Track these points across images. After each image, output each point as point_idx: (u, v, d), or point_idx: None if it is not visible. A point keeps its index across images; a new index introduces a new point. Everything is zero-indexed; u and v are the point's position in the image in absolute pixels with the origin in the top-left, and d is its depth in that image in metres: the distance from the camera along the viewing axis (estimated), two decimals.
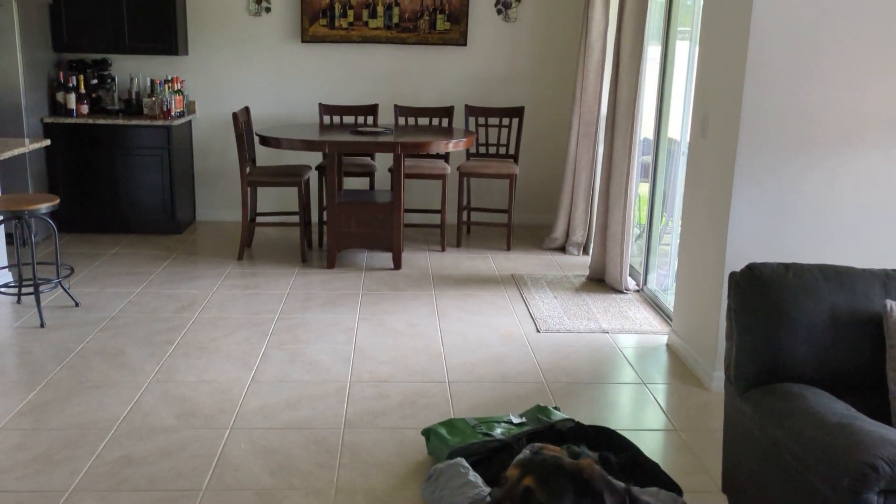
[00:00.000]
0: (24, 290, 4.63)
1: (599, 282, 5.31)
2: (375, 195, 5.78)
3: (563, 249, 6.11)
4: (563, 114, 6.67)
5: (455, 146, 5.44)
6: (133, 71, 6.37)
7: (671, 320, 4.44)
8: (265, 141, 5.39)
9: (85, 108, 6.11)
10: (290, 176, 5.62)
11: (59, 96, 6.04)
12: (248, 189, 5.67)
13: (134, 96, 6.29)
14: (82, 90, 6.08)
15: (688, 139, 4.70)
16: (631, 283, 5.13)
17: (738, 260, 3.53)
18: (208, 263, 5.59)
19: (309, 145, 5.28)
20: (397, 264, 5.54)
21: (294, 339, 4.26)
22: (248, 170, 5.68)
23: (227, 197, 6.66)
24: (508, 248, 6.10)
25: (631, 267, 5.17)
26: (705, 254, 3.85)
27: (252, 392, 3.64)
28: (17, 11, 5.53)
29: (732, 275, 2.65)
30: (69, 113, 6.03)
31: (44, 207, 4.31)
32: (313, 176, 6.31)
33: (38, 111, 5.91)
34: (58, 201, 4.40)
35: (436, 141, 5.36)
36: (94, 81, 6.25)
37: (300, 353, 4.08)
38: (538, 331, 4.46)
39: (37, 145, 4.67)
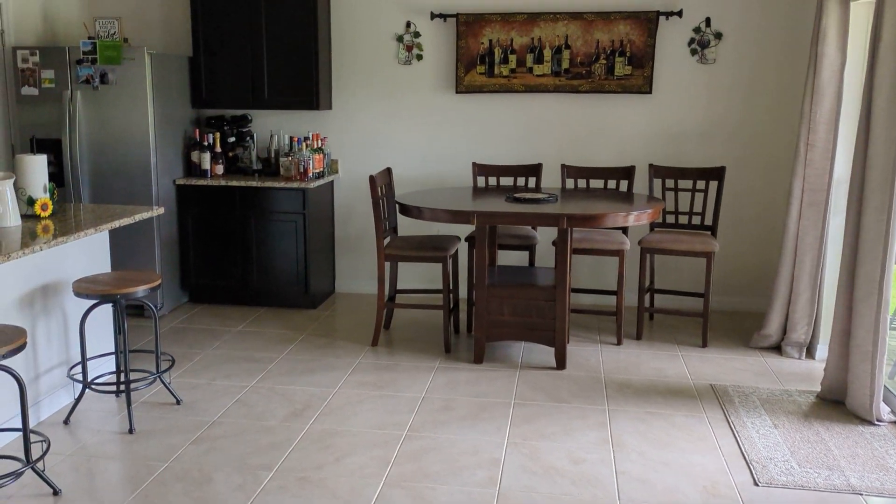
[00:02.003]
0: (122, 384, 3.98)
1: (836, 404, 3.93)
2: (535, 275, 4.73)
3: (777, 349, 4.74)
4: (777, 176, 5.35)
5: (637, 219, 4.30)
6: (274, 127, 5.79)
7: None
8: (405, 210, 4.52)
9: (220, 169, 5.56)
10: (434, 250, 4.71)
11: (194, 156, 5.53)
12: (387, 264, 4.82)
13: (273, 155, 5.69)
14: (218, 149, 5.55)
15: None
16: (885, 411, 3.72)
17: None
18: (338, 349, 4.76)
19: (454, 216, 4.34)
20: (560, 363, 4.44)
21: (420, 473, 3.26)
22: (386, 241, 4.84)
23: (370, 266, 5.87)
24: (704, 345, 4.82)
25: (885, 387, 3.76)
26: None
27: None
28: (150, 65, 5.07)
29: None
30: (203, 174, 5.51)
31: (140, 290, 3.62)
32: (463, 247, 5.38)
33: (172, 172, 5.42)
34: (159, 282, 3.72)
35: (612, 213, 4.25)
36: (232, 139, 5.71)
37: (424, 497, 3.06)
38: (756, 483, 3.18)
39: (147, 214, 4.06)
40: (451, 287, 4.76)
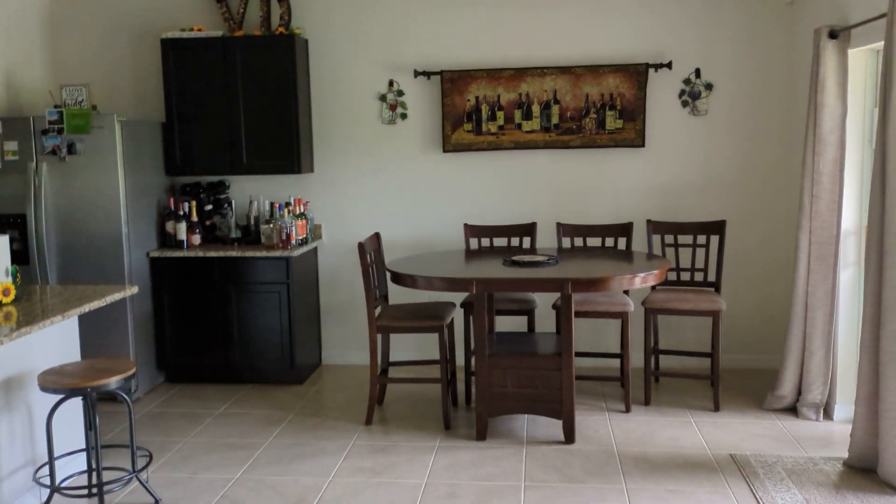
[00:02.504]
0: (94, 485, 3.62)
1: (867, 473, 3.67)
2: (538, 342, 4.47)
3: (793, 411, 4.51)
4: (781, 229, 5.20)
5: (644, 280, 4.08)
6: (254, 193, 5.52)
7: None
8: (397, 278, 4.26)
9: (196, 239, 5.27)
10: (429, 319, 4.44)
11: (169, 226, 5.24)
12: (379, 335, 4.53)
13: (253, 222, 5.41)
14: (194, 218, 5.27)
15: None
16: None
17: None
18: (330, 430, 4.43)
19: (451, 284, 4.09)
20: (569, 437, 4.15)
21: None
22: (378, 311, 4.56)
23: (358, 336, 5.57)
24: (716, 409, 4.57)
25: None
26: None
27: None
28: (121, 133, 4.81)
29: None
30: (179, 245, 5.21)
31: (113, 382, 3.30)
32: (458, 311, 5.11)
33: (146, 244, 5.12)
34: (132, 371, 3.40)
35: (618, 276, 4.02)
36: (209, 207, 5.44)
37: None
38: None
39: (119, 295, 3.75)
40: (448, 357, 4.48)
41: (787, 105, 5.11)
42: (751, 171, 5.21)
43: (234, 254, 5.09)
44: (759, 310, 5.28)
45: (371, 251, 4.59)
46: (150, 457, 3.76)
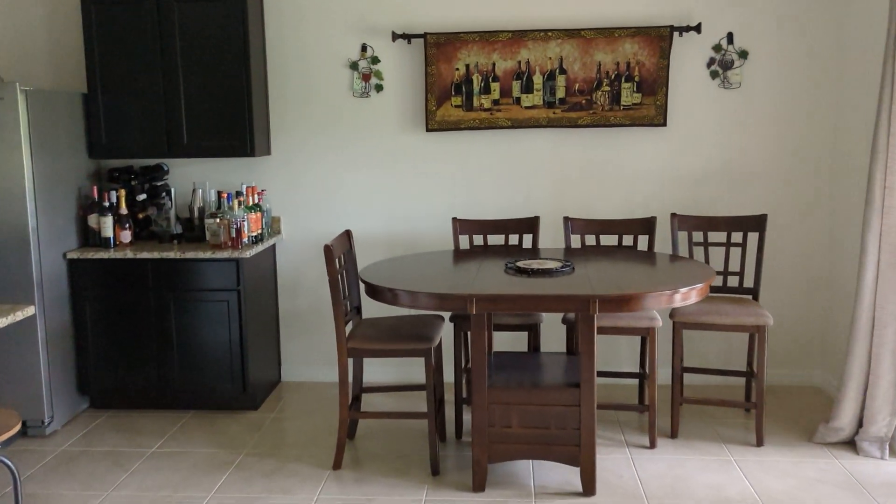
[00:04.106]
0: None
1: None
2: (547, 369, 3.63)
3: (851, 445, 3.74)
4: (828, 225, 4.41)
5: (685, 297, 3.24)
6: (198, 180, 4.60)
7: None
8: (374, 292, 3.38)
9: (127, 236, 4.34)
10: (414, 340, 3.58)
11: (92, 220, 4.30)
12: (350, 360, 3.66)
13: (197, 215, 4.49)
14: (123, 210, 4.33)
15: None
16: None
17: None
18: (289, 477, 3.56)
19: (443, 302, 3.21)
20: (589, 488, 3.33)
21: None
22: (349, 327, 3.69)
23: (325, 347, 4.70)
24: (759, 443, 3.78)
25: None
26: None
27: None
28: (26, 105, 3.85)
29: None
30: (104, 243, 4.27)
31: None
32: (447, 328, 4.26)
33: (62, 242, 4.18)
34: (16, 429, 2.50)
35: (654, 292, 3.17)
36: (143, 197, 4.50)
37: None
38: None
39: (4, 322, 2.82)
40: (435, 385, 3.63)
41: (839, 76, 4.30)
42: (799, 156, 4.40)
43: (172, 255, 4.17)
44: (799, 319, 4.50)
45: (341, 254, 3.70)
46: None
